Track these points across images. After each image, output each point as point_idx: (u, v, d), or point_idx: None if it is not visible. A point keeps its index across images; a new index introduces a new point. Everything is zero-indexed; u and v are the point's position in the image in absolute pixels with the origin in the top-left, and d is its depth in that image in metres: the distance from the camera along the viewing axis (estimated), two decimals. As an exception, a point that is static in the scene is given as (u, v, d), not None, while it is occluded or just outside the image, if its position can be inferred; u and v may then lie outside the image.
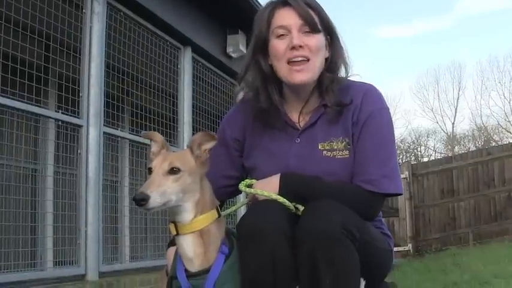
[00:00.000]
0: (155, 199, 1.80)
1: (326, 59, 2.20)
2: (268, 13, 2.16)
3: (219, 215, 2.01)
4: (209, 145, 2.00)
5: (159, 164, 1.91)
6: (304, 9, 2.12)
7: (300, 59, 2.11)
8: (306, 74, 2.12)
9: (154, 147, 2.07)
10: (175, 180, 1.89)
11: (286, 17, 2.13)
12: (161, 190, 1.83)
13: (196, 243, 1.94)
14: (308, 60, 2.12)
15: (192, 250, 1.95)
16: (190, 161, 1.96)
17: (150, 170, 1.93)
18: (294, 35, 2.10)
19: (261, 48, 2.19)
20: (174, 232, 1.97)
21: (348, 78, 2.24)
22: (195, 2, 6.42)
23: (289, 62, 2.12)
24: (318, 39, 2.14)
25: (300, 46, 2.10)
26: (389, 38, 51.89)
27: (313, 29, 2.12)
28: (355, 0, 52.60)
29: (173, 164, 1.90)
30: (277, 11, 2.16)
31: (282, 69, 2.14)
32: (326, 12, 2.19)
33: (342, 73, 2.23)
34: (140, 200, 1.79)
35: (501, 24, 48.18)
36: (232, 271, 1.93)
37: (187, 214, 1.94)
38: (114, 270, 4.91)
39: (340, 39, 2.23)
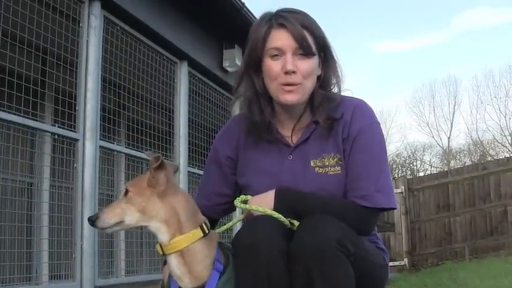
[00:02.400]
0: (104, 219, 1.97)
1: (319, 76, 2.19)
2: (263, 32, 2.14)
3: (206, 233, 2.01)
4: (156, 164, 2.00)
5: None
6: (300, 31, 2.10)
7: (292, 87, 2.10)
8: (296, 95, 2.11)
9: None
10: (126, 201, 1.99)
11: (281, 39, 2.11)
12: (110, 210, 1.99)
13: (180, 263, 1.97)
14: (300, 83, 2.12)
15: (178, 269, 1.97)
16: (141, 182, 2.02)
17: None
18: (288, 59, 2.09)
19: (254, 65, 2.18)
20: (160, 252, 2.01)
21: (340, 94, 2.23)
22: (192, 17, 6.45)
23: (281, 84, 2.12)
24: (311, 63, 2.13)
25: (293, 72, 2.09)
26: (385, 53, 52.04)
27: (307, 53, 2.11)
28: (354, 15, 52.81)
29: (127, 187, 2.03)
30: (273, 31, 2.13)
31: (273, 89, 2.14)
32: (321, 30, 2.18)
33: (334, 87, 2.23)
34: (89, 220, 1.99)
35: (496, 39, 48.29)
36: (227, 287, 1.94)
37: (162, 234, 1.98)
38: (109, 285, 4.89)
39: (334, 56, 2.22)
